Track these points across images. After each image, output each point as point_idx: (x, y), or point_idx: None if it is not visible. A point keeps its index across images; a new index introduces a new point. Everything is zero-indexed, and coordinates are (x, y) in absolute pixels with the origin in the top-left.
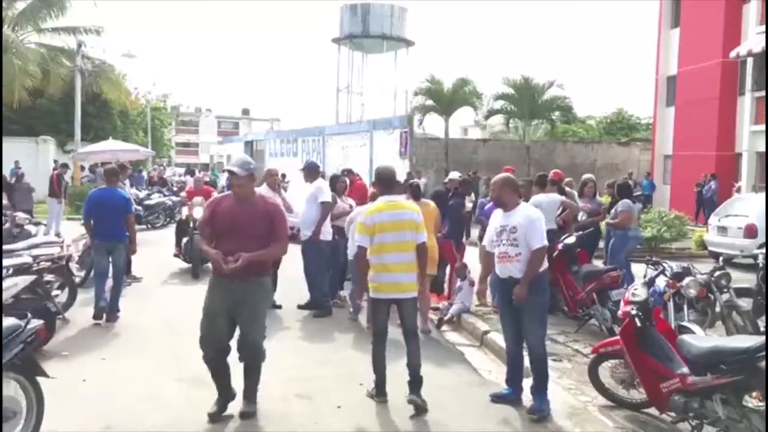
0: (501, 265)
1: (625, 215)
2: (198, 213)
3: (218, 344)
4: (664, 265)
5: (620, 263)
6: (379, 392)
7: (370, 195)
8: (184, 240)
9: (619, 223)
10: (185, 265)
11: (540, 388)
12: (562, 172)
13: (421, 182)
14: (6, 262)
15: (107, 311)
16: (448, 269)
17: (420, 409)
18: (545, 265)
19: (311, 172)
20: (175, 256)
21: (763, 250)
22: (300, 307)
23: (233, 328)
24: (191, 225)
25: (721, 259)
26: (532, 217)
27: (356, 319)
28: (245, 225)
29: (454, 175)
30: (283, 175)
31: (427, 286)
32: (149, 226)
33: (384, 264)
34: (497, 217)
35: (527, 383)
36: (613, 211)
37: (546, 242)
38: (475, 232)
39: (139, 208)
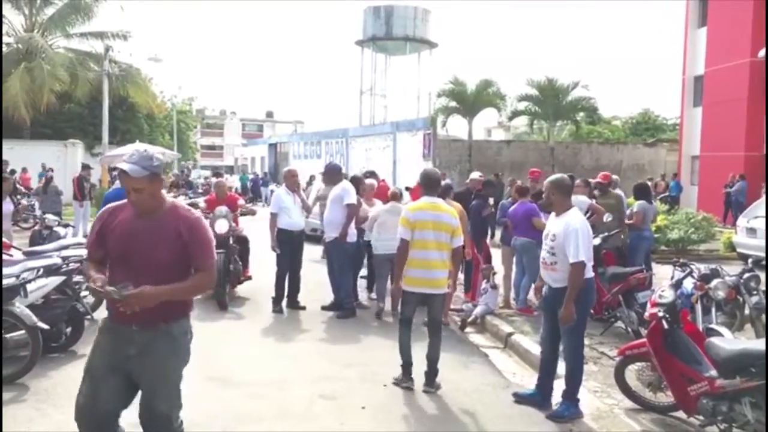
0: (542, 271)
1: (638, 216)
2: (221, 227)
3: (101, 419)
4: (692, 266)
5: (638, 264)
6: (405, 377)
7: (391, 194)
8: None
9: (633, 224)
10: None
11: (568, 395)
12: (609, 173)
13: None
14: (36, 263)
15: None
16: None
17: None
18: (590, 273)
19: (333, 176)
20: None
21: None
22: (324, 308)
23: (128, 394)
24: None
25: (750, 261)
26: (570, 228)
27: (381, 317)
28: (145, 249)
29: (475, 175)
30: (312, 177)
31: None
32: None
33: (428, 260)
34: (549, 221)
35: (559, 386)
36: (629, 211)
37: (583, 257)
38: (498, 234)
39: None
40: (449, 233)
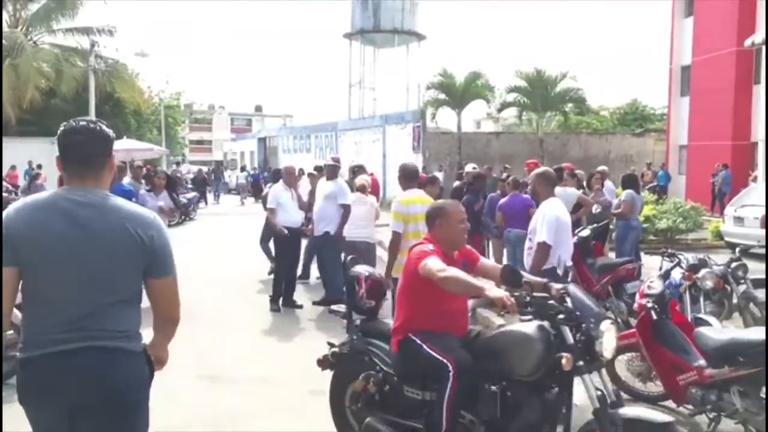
0: (524, 259)
1: (626, 205)
2: None
3: None
4: (680, 256)
5: (626, 253)
6: None
7: (359, 186)
8: None
9: (620, 213)
10: (207, 261)
11: None
12: (572, 165)
13: (439, 175)
14: None
15: None
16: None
17: None
18: (569, 262)
19: (335, 169)
20: None
21: None
22: (315, 303)
23: None
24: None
25: (737, 249)
26: (545, 213)
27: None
28: None
29: (469, 167)
30: (301, 170)
31: None
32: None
33: None
34: None
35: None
36: (616, 201)
37: (544, 238)
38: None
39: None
40: None
